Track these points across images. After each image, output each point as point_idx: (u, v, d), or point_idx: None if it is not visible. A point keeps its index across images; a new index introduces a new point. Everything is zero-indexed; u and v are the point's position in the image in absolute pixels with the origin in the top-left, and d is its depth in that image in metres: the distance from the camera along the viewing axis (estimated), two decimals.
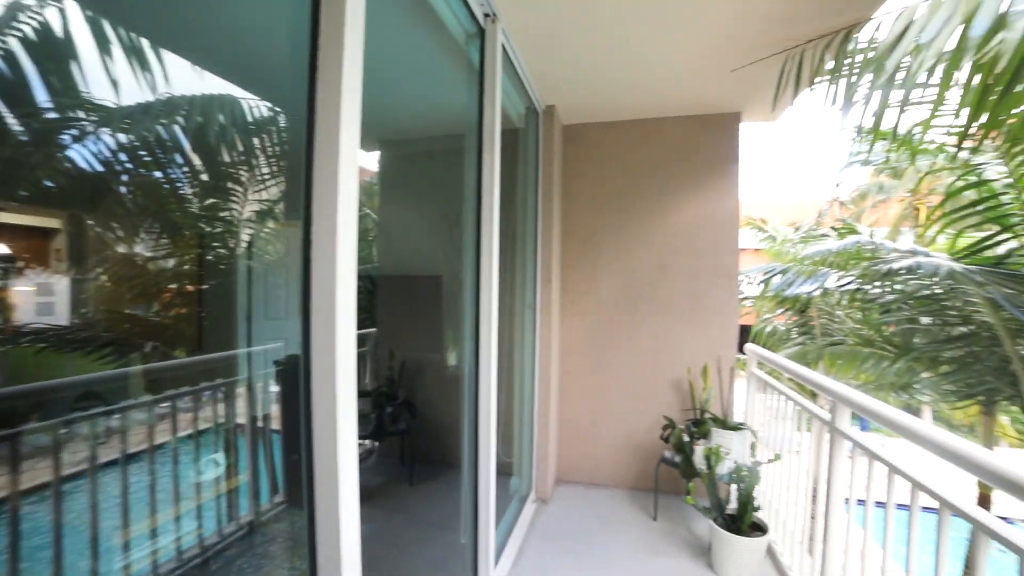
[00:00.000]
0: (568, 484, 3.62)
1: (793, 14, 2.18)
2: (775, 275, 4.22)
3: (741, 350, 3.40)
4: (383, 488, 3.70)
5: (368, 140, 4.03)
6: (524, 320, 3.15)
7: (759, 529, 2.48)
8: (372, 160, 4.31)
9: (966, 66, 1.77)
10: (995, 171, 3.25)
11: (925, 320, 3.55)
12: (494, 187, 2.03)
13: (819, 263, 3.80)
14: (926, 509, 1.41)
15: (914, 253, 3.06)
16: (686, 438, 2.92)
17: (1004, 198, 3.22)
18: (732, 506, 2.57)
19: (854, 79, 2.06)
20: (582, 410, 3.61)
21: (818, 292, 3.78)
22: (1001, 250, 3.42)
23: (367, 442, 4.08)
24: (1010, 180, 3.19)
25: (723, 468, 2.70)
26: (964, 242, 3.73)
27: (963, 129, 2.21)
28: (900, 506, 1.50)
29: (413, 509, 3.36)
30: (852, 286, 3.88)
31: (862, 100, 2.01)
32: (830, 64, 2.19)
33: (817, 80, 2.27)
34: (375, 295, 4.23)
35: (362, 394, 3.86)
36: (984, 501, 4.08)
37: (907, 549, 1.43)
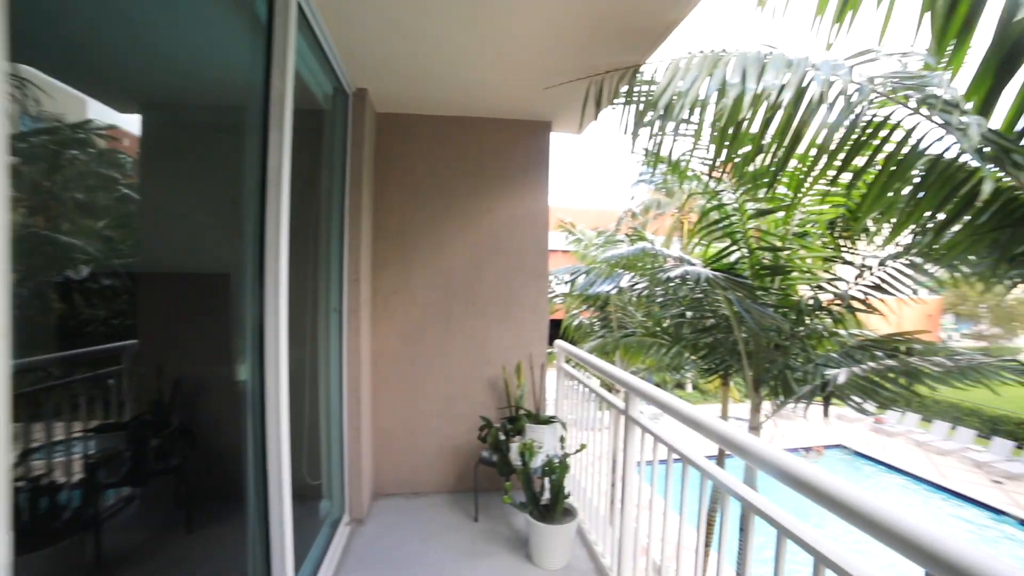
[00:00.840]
0: (387, 498, 3.40)
1: (593, 47, 2.41)
2: (580, 275, 4.74)
3: (553, 345, 3.67)
4: (149, 544, 2.91)
5: (122, 96, 3.11)
6: (329, 325, 2.81)
7: (569, 514, 2.68)
8: (131, 124, 3.35)
9: (710, 113, 2.18)
10: (729, 198, 4.20)
11: (690, 314, 4.40)
12: (283, 170, 1.70)
13: (615, 265, 4.38)
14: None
15: (683, 260, 3.76)
16: (502, 436, 3.00)
17: (733, 219, 4.17)
18: (547, 496, 2.72)
19: (641, 108, 2.36)
20: (398, 418, 3.42)
21: (614, 291, 4.36)
22: (733, 258, 4.43)
23: (119, 491, 3.17)
24: (736, 206, 4.14)
25: (537, 462, 2.85)
26: (712, 251, 4.73)
27: (712, 162, 2.73)
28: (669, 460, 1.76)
29: (192, 561, 2.73)
30: (640, 287, 4.57)
31: (646, 127, 2.31)
32: (624, 91, 2.46)
33: (614, 103, 2.54)
34: (134, 297, 3.31)
35: (112, 427, 3.00)
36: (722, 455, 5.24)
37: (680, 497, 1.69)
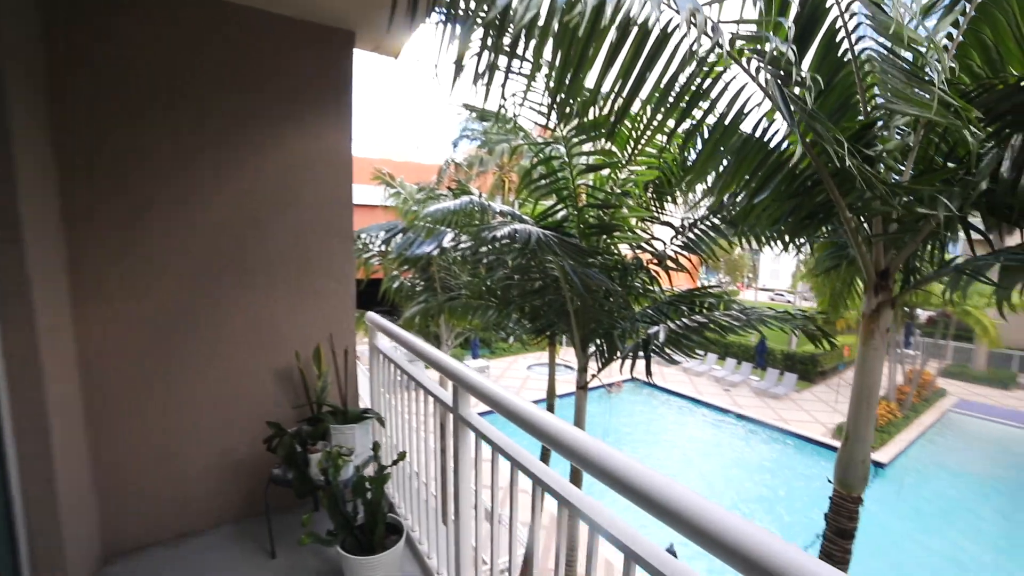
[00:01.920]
0: (133, 555, 2.36)
1: None
2: (396, 234, 4.06)
3: (373, 309, 2.99)
4: None
5: None
6: None
7: (395, 533, 2.16)
8: None
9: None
10: (559, 151, 4.00)
11: (517, 277, 4.18)
12: None
13: (439, 222, 3.85)
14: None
15: (513, 216, 3.41)
16: (298, 447, 2.29)
17: (561, 175, 4.01)
18: (364, 515, 2.14)
19: (466, 26, 1.77)
20: (144, 442, 2.35)
21: (436, 252, 3.84)
22: (559, 216, 4.33)
23: None
24: (565, 160, 3.98)
25: (347, 473, 2.23)
26: (539, 209, 4.56)
27: (550, 107, 2.34)
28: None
29: None
30: (464, 246, 4.13)
31: (473, 52, 1.73)
32: None
33: (436, 10, 1.89)
34: None
35: None
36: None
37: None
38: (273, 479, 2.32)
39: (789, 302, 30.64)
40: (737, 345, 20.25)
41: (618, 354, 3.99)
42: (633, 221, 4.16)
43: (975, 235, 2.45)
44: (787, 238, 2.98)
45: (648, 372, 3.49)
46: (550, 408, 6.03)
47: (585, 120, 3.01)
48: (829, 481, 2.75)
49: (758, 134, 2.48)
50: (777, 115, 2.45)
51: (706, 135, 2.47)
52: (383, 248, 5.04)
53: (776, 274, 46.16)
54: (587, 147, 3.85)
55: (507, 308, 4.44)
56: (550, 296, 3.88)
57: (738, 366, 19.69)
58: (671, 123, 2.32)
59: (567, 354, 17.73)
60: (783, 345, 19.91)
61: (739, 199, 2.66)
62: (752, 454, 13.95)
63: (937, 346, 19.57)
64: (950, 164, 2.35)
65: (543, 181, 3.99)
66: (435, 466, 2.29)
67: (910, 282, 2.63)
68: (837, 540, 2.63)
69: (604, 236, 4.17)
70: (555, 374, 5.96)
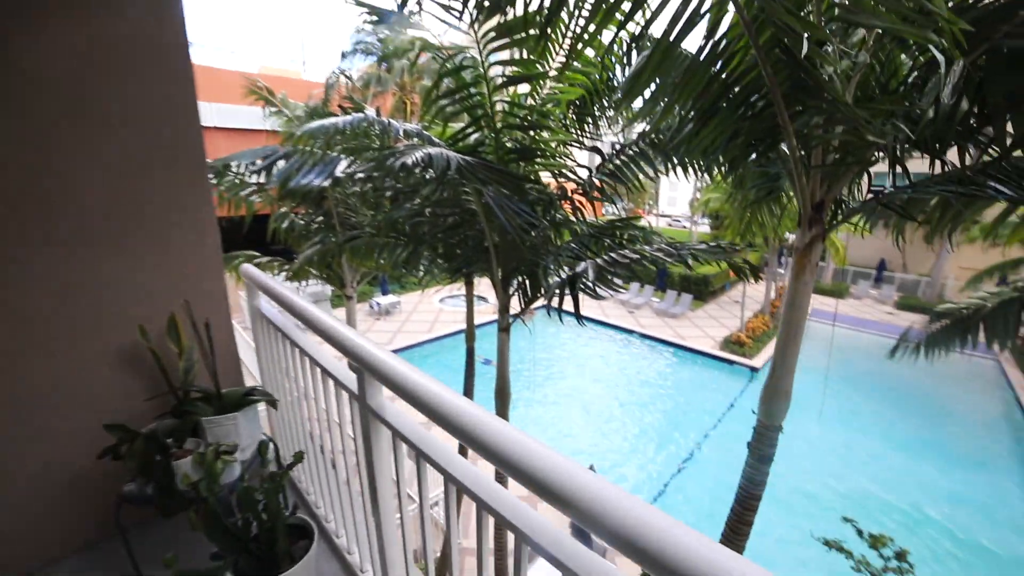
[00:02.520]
0: None
1: None
2: (275, 161, 3.23)
3: (263, 252, 2.34)
4: None
5: None
6: None
7: (304, 537, 1.76)
8: None
9: None
10: (472, 58, 3.36)
11: (429, 212, 3.63)
12: None
13: (328, 144, 3.12)
14: None
15: (422, 138, 2.80)
16: (159, 453, 1.73)
17: (475, 91, 3.42)
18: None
19: None
20: None
21: (327, 183, 3.14)
22: (473, 140, 3.77)
23: None
24: (481, 71, 3.37)
25: (232, 474, 1.76)
26: (449, 132, 3.94)
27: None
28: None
29: None
30: (362, 175, 3.45)
31: None
32: None
33: None
34: None
35: None
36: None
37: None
38: (125, 497, 1.76)
39: (685, 227, 33.09)
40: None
41: (542, 292, 3.74)
42: (555, 146, 3.75)
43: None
44: (724, 166, 2.81)
45: (577, 312, 3.29)
46: (470, 337, 5.78)
47: (506, 19, 2.44)
48: (753, 412, 2.84)
49: (706, 52, 2.14)
50: (727, 22, 2.11)
51: (646, 51, 2.08)
52: (260, 180, 4.14)
53: (673, 201, 49.37)
54: (503, 55, 3.27)
55: (418, 247, 3.93)
56: (467, 232, 3.44)
57: (641, 289, 21.09)
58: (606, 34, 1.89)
59: (481, 286, 17.61)
60: (680, 268, 21.62)
61: (685, 122, 2.37)
62: (654, 370, 15.38)
63: None
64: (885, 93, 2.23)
65: (451, 99, 3.37)
66: (352, 451, 1.89)
67: (837, 216, 2.61)
68: (758, 466, 2.76)
69: (524, 163, 3.73)
70: (473, 311, 5.67)
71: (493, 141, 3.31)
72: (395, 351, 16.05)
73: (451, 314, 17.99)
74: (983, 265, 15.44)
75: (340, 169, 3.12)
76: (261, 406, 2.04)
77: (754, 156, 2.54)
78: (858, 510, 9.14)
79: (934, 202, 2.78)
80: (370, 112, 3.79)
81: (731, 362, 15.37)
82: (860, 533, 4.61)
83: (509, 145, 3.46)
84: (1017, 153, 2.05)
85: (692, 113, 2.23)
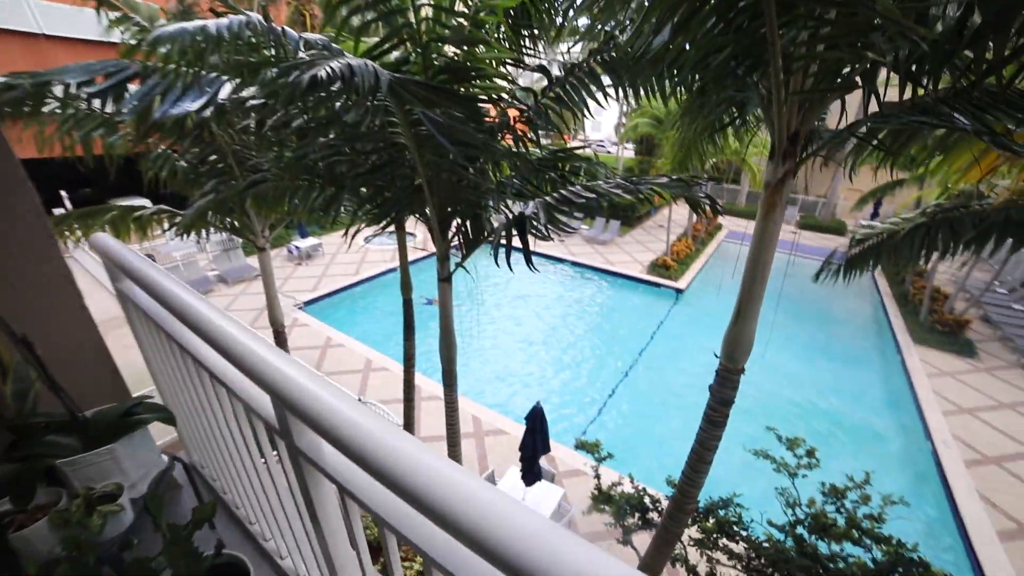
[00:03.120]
0: None
1: None
2: (125, 80, 2.36)
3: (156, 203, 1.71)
4: None
5: None
6: None
7: (240, 571, 1.41)
8: None
9: None
10: None
11: (348, 149, 3.00)
12: None
13: (200, 60, 2.33)
14: None
15: (330, 51, 2.14)
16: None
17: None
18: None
19: None
20: None
21: (209, 112, 2.40)
22: (394, 57, 3.11)
23: None
24: None
25: (119, 524, 1.33)
26: (363, 48, 3.20)
27: None
28: None
29: None
30: (255, 101, 2.72)
31: None
32: None
33: None
34: None
35: None
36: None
37: None
38: None
39: (610, 152, 33.19)
40: None
41: (485, 235, 3.38)
42: (493, 65, 3.19)
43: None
44: (693, 88, 2.50)
45: (528, 258, 2.98)
46: (406, 287, 5.34)
47: None
48: (716, 356, 2.80)
49: None
50: None
51: None
52: (107, 108, 3.16)
53: (598, 126, 48.99)
54: None
55: (338, 191, 3.33)
56: (395, 172, 2.90)
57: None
58: None
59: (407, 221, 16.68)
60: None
61: (646, 36, 1.98)
62: (587, 297, 15.87)
63: (719, 188, 23.71)
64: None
65: (362, 8, 2.66)
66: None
67: (807, 148, 2.43)
68: (719, 408, 2.77)
69: (458, 87, 3.17)
70: (407, 258, 5.19)
71: (419, 59, 2.70)
72: (322, 297, 15.00)
73: (378, 253, 17.07)
74: (867, 188, 17.12)
75: (225, 95, 2.38)
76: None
77: (734, 76, 2.25)
78: (770, 410, 10.43)
79: (883, 133, 2.72)
80: (254, 16, 2.94)
81: (658, 285, 16.21)
82: (780, 438, 5.12)
83: (438, 64, 2.86)
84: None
85: (667, 25, 1.86)
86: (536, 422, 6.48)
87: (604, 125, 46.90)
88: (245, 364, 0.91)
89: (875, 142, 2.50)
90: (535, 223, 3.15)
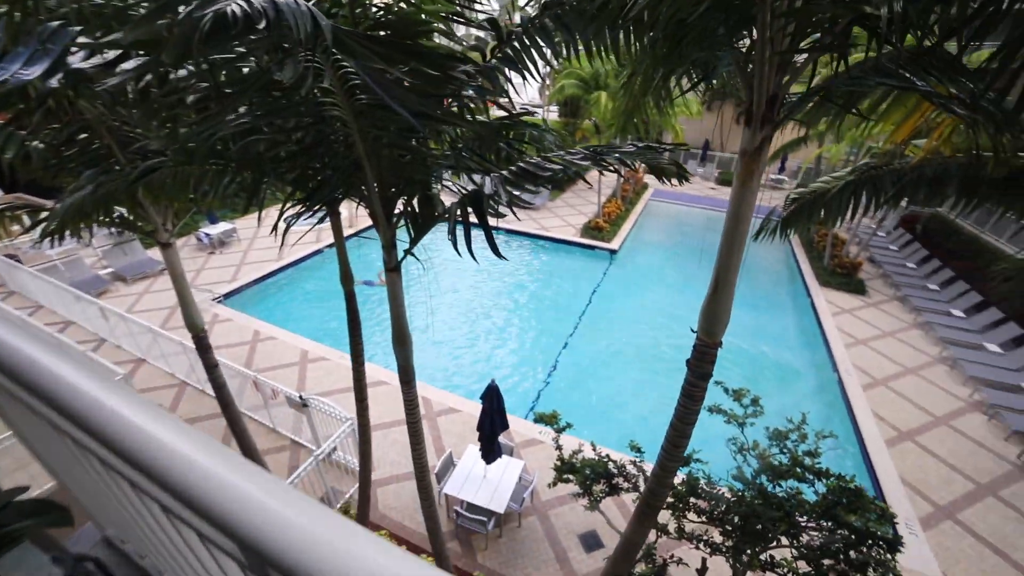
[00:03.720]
0: None
1: None
2: None
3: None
4: None
5: None
6: None
7: None
8: None
9: None
10: None
11: (267, 127, 2.47)
12: None
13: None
14: None
15: None
16: None
17: None
18: None
19: None
20: None
21: (56, 81, 1.79)
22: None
23: None
24: None
25: None
26: None
27: None
28: None
29: None
30: (131, 61, 2.12)
31: None
32: None
33: None
34: None
35: None
36: None
37: None
38: None
39: (535, 115, 32.74)
40: None
41: (440, 215, 3.04)
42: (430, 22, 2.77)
43: None
44: (668, 49, 2.29)
45: (493, 247, 2.71)
46: (346, 280, 4.84)
47: None
48: (693, 331, 2.75)
49: None
50: None
51: None
52: None
53: (521, 87, 48.02)
54: None
55: (257, 176, 2.81)
56: (329, 150, 2.44)
57: None
58: None
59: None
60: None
61: None
62: (524, 265, 15.82)
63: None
64: None
65: None
66: None
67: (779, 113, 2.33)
68: (698, 383, 2.74)
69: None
70: (344, 246, 4.69)
71: (348, 11, 2.23)
72: (244, 287, 13.59)
73: (297, 235, 15.73)
74: (777, 143, 18.36)
75: (78, 60, 1.77)
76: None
77: (713, 36, 2.07)
78: (686, 350, 11.16)
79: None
80: None
81: (592, 247, 16.51)
82: (727, 391, 5.39)
83: (370, 18, 2.40)
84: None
85: None
86: (492, 400, 6.38)
87: (528, 88, 46.06)
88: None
89: (841, 104, 2.48)
90: (493, 200, 2.87)
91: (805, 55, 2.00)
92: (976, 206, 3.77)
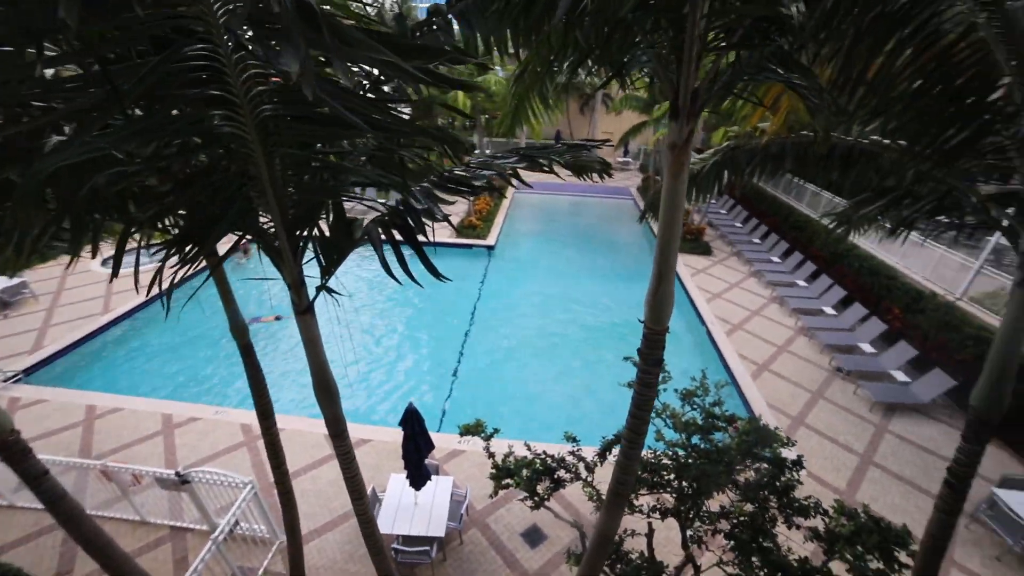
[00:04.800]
0: None
1: None
2: None
3: None
4: None
5: None
6: None
7: None
8: None
9: None
10: None
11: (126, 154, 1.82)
12: None
13: None
14: None
15: None
16: None
17: None
18: None
19: None
20: None
21: None
22: None
23: None
24: None
25: None
26: None
27: None
28: None
29: None
30: None
31: None
32: None
33: None
34: None
35: None
36: None
37: None
38: None
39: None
40: None
41: (361, 238, 2.66)
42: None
43: None
44: (595, 46, 2.24)
45: (431, 268, 2.46)
46: (239, 333, 3.99)
47: None
48: (640, 321, 2.82)
49: None
50: None
51: None
52: None
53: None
54: None
55: (85, 215, 2.11)
56: (220, 179, 1.89)
57: (363, 191, 19.70)
58: None
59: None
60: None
61: None
62: (403, 276, 15.15)
63: (505, 141, 24.96)
64: None
65: None
66: None
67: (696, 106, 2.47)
68: (651, 370, 2.83)
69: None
70: (231, 298, 3.89)
71: None
72: (55, 356, 10.69)
73: (128, 279, 12.89)
74: (613, 130, 20.34)
75: None
76: None
77: (639, 34, 2.08)
78: (596, 337, 11.96)
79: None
80: None
81: (471, 246, 16.51)
82: (635, 364, 5.78)
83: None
84: None
85: None
86: (414, 423, 5.98)
87: None
88: None
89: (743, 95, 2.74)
90: (412, 216, 2.60)
91: (720, 53, 2.17)
92: (804, 175, 4.59)
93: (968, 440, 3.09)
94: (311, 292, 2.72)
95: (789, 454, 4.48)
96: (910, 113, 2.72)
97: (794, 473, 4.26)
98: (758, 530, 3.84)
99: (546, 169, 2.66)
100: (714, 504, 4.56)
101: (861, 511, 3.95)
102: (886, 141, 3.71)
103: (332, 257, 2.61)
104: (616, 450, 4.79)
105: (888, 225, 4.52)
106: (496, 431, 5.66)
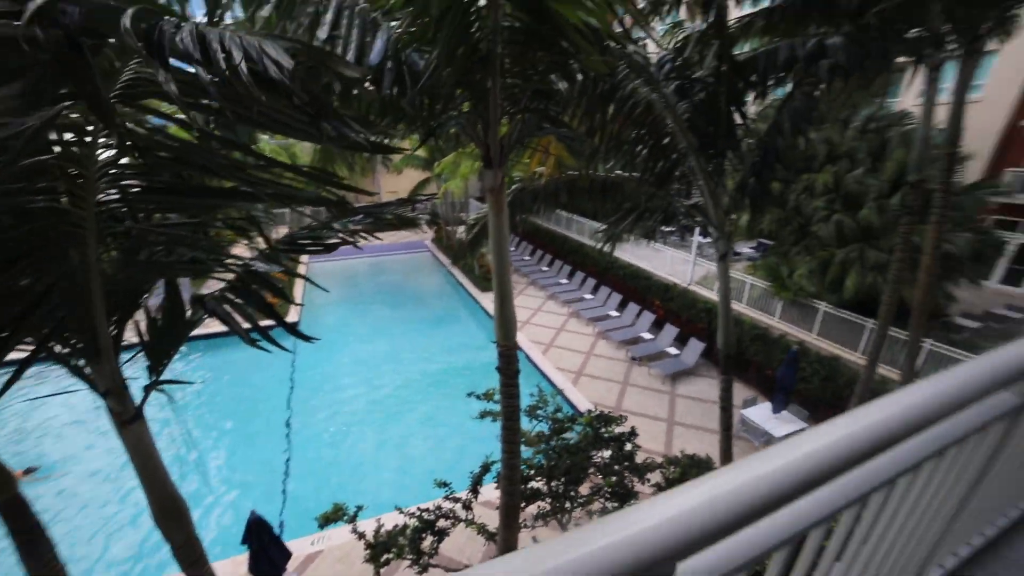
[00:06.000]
0: None
1: None
2: None
3: None
4: None
5: None
6: None
7: None
8: None
9: None
10: None
11: None
12: None
13: None
14: None
15: None
16: None
17: None
18: None
19: None
20: None
21: None
22: None
23: None
24: None
25: None
26: None
27: None
28: None
29: None
30: None
31: None
32: None
33: None
34: None
35: None
36: None
37: None
38: None
39: None
40: None
41: (193, 319, 2.35)
42: None
43: None
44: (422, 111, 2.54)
45: (297, 333, 2.35)
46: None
47: None
48: (494, 342, 3.15)
49: None
50: None
51: None
52: None
53: None
54: None
55: None
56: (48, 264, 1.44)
57: None
58: None
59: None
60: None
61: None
62: (208, 371, 12.67)
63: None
64: None
65: None
66: None
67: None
68: (511, 382, 3.20)
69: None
70: None
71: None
72: None
73: None
74: (398, 188, 21.22)
75: None
76: None
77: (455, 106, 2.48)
78: (425, 383, 11.98)
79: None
80: None
81: (271, 327, 14.73)
82: (478, 397, 6.08)
83: None
84: None
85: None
86: (261, 535, 5.04)
87: None
88: None
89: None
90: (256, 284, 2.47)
91: (515, 115, 2.79)
92: (574, 207, 5.87)
93: (724, 372, 4.39)
94: (136, 395, 2.24)
95: (624, 429, 5.46)
96: (634, 154, 3.92)
97: (632, 443, 5.21)
98: (624, 495, 4.57)
99: (380, 228, 2.84)
100: (584, 489, 5.18)
101: (681, 456, 5.07)
102: (626, 174, 5.11)
103: (164, 348, 2.23)
104: (487, 480, 5.03)
105: (633, 237, 6.07)
106: (361, 508, 5.23)
